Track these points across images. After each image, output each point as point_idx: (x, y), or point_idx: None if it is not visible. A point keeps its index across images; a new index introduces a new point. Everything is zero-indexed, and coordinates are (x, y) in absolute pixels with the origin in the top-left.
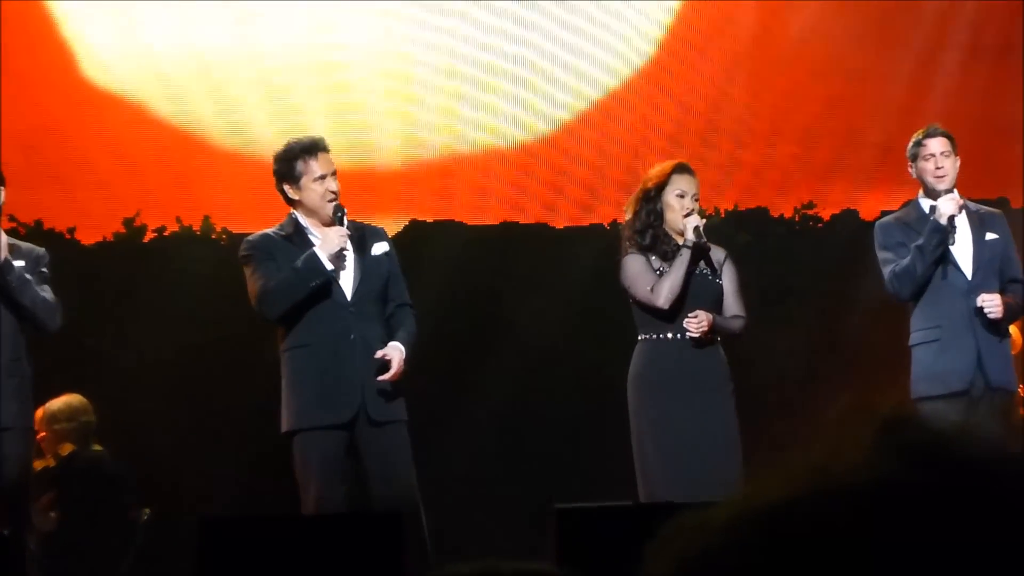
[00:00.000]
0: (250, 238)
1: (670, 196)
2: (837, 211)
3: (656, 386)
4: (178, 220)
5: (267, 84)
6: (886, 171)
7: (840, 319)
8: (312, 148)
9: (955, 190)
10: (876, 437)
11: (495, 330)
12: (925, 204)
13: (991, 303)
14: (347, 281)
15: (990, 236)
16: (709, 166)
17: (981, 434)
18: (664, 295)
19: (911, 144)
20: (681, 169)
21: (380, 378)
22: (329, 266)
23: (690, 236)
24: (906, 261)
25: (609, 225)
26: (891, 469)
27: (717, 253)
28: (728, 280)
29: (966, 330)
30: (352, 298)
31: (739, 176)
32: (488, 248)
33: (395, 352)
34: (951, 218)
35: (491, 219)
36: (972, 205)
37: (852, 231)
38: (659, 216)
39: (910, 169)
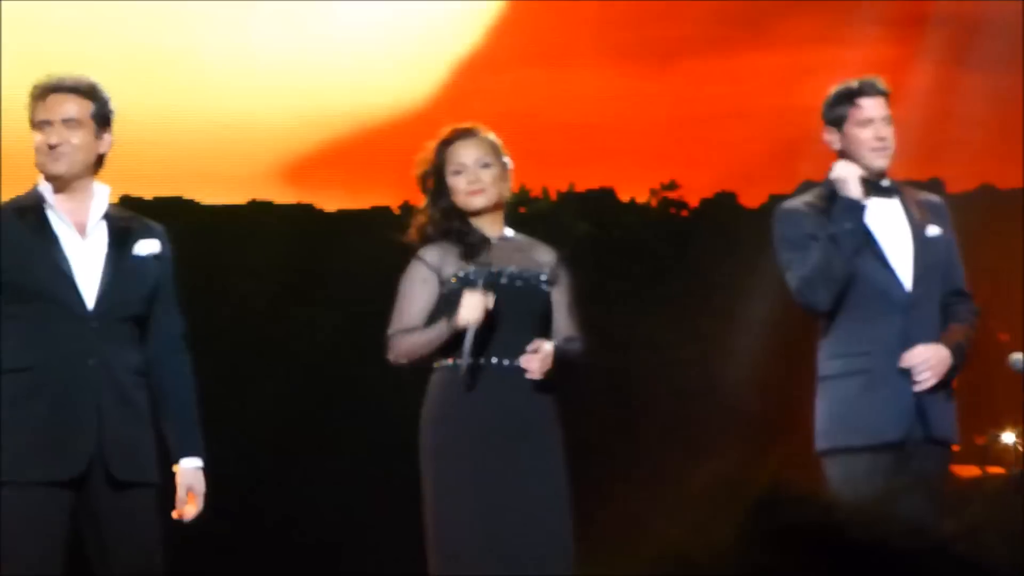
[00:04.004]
0: None
1: (450, 179)
2: (709, 195)
3: (462, 429)
4: None
5: None
6: (778, 145)
7: (714, 339)
8: (36, 90)
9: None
10: (748, 517)
11: (247, 345)
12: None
13: (923, 368)
14: (90, 285)
15: (932, 231)
16: (531, 132)
17: (890, 514)
18: (399, 351)
19: (833, 101)
20: (454, 137)
21: None
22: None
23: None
24: (815, 257)
25: (399, 208)
26: (763, 557)
27: (543, 254)
28: (563, 291)
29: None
30: (95, 309)
31: (578, 147)
32: (230, 235)
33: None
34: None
35: (233, 197)
36: (903, 185)
37: (729, 221)
38: (453, 210)
39: (829, 136)
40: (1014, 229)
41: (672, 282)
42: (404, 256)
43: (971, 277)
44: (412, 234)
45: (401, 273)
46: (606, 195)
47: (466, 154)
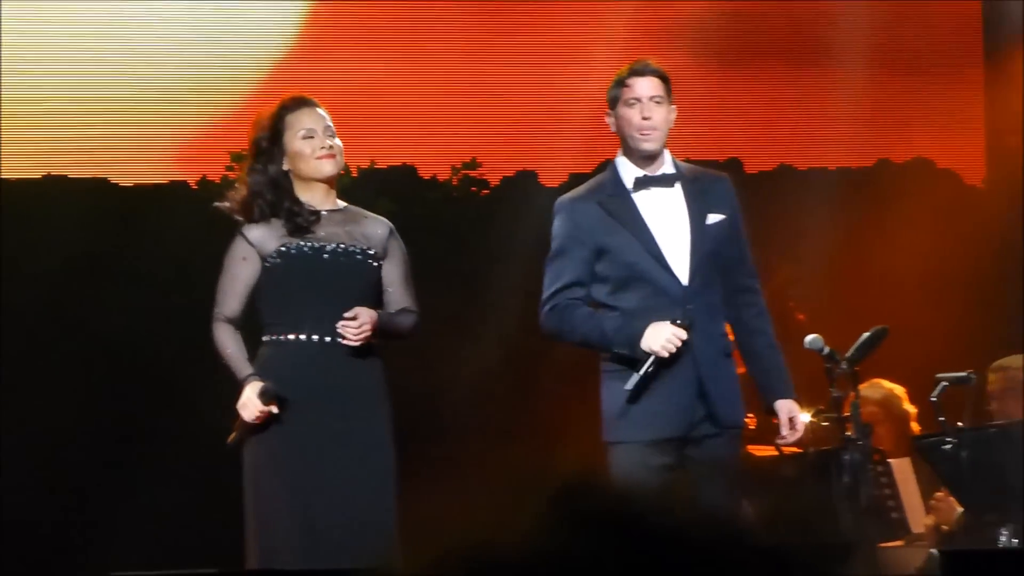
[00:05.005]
0: None
1: (296, 144)
2: (510, 174)
3: (285, 408)
4: None
5: None
6: (577, 124)
7: (514, 317)
8: None
9: (666, 152)
10: (549, 505)
11: (44, 324)
12: (626, 171)
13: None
14: None
15: (713, 218)
16: (331, 109)
17: (683, 498)
18: (214, 341)
19: (612, 84)
20: (297, 104)
21: None
22: None
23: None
24: (568, 320)
25: (197, 184)
26: (563, 543)
27: (375, 227)
28: (396, 264)
29: (683, 355)
30: None
31: (379, 124)
32: (24, 210)
33: None
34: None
35: (27, 170)
36: (687, 169)
37: (529, 200)
38: (283, 182)
39: (608, 119)
40: (811, 208)
41: (473, 259)
42: (207, 231)
43: (769, 256)
44: (234, 207)
45: (206, 249)
46: (407, 172)
47: (313, 120)
